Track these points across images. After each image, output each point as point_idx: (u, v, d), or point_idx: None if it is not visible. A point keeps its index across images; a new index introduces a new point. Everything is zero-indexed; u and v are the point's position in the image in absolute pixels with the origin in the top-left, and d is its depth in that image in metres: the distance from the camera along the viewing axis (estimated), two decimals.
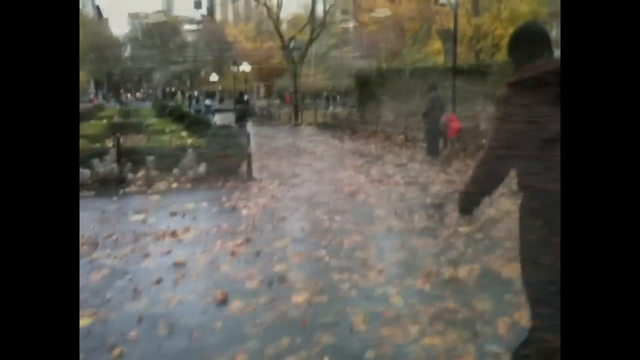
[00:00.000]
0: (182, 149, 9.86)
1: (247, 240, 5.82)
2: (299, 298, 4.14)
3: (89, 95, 61.72)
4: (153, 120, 19.00)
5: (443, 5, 24.33)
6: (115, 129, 18.32)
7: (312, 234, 6.09)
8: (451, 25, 19.64)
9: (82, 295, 4.04)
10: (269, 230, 6.26)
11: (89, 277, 4.68)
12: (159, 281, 4.65)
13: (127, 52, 77.77)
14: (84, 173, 9.02)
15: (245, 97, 22.87)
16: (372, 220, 6.65)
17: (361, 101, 24.25)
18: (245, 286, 4.47)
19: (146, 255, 5.41)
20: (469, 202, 2.31)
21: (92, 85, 71.81)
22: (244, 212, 7.30)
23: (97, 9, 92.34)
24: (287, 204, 7.80)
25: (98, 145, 10.12)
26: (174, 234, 6.14)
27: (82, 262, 5.02)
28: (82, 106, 32.37)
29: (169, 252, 5.48)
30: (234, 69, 40.86)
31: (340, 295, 4.20)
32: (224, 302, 4.11)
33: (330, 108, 37.94)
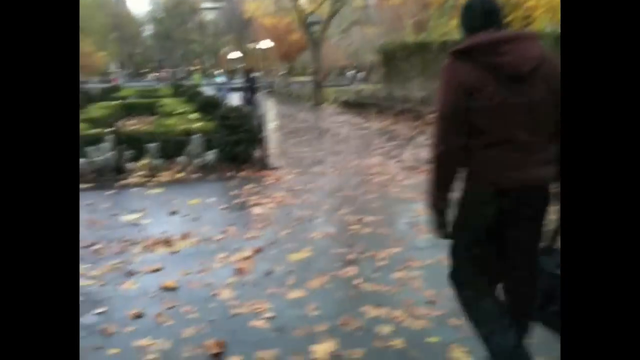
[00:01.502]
0: (189, 134, 8.70)
1: (257, 252, 4.67)
2: (320, 351, 2.97)
3: (108, 76, 61.75)
4: (165, 100, 17.89)
5: None
6: (127, 111, 17.41)
7: (337, 242, 4.91)
8: None
9: None
10: (284, 237, 5.10)
11: None
12: (138, 316, 3.54)
13: (147, 32, 77.13)
14: (80, 163, 7.95)
15: (252, 75, 20.55)
16: (410, 220, 5.43)
17: (387, 77, 22.72)
18: (248, 325, 3.33)
19: (130, 274, 4.31)
20: (436, 197, 2.21)
21: (112, 65, 71.92)
22: (256, 210, 6.13)
23: None
24: (308, 199, 6.60)
25: (98, 130, 9.00)
26: (168, 242, 5.03)
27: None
28: (99, 87, 31.62)
29: (158, 270, 4.36)
30: (252, 46, 39.38)
31: (379, 348, 3.01)
32: (217, 357, 2.97)
33: (354, 85, 36.55)
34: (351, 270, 4.16)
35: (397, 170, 8.21)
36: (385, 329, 3.18)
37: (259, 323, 3.36)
